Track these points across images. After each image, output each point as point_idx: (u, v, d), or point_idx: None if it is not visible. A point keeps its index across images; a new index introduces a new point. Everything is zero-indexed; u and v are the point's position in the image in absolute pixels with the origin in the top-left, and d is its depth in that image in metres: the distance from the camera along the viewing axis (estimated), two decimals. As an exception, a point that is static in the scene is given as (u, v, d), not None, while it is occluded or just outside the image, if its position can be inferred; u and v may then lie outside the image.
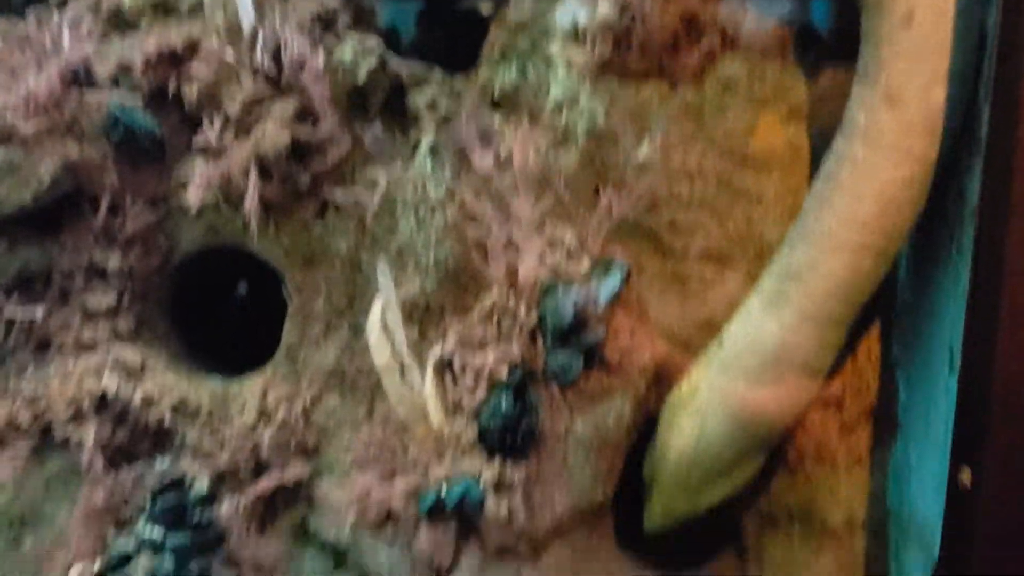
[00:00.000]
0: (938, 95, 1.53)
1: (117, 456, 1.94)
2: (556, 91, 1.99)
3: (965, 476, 1.63)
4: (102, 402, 1.90)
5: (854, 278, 1.65)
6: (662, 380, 1.98)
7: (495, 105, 2.06)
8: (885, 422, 2.00)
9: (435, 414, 1.89)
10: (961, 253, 1.69)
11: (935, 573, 1.71)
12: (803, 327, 1.69)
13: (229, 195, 1.90)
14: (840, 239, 1.60)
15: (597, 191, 2.00)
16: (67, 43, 1.88)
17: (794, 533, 2.03)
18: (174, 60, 1.89)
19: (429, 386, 1.89)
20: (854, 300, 1.69)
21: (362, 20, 2.02)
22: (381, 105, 1.99)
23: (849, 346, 1.95)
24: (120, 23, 1.96)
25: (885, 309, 1.96)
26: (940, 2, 1.48)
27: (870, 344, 1.97)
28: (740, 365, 1.77)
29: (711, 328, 1.93)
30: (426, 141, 1.98)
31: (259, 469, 1.96)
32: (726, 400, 1.79)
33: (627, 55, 1.90)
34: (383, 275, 1.86)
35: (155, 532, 1.90)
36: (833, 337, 1.75)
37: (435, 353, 1.91)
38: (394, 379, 1.86)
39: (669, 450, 1.87)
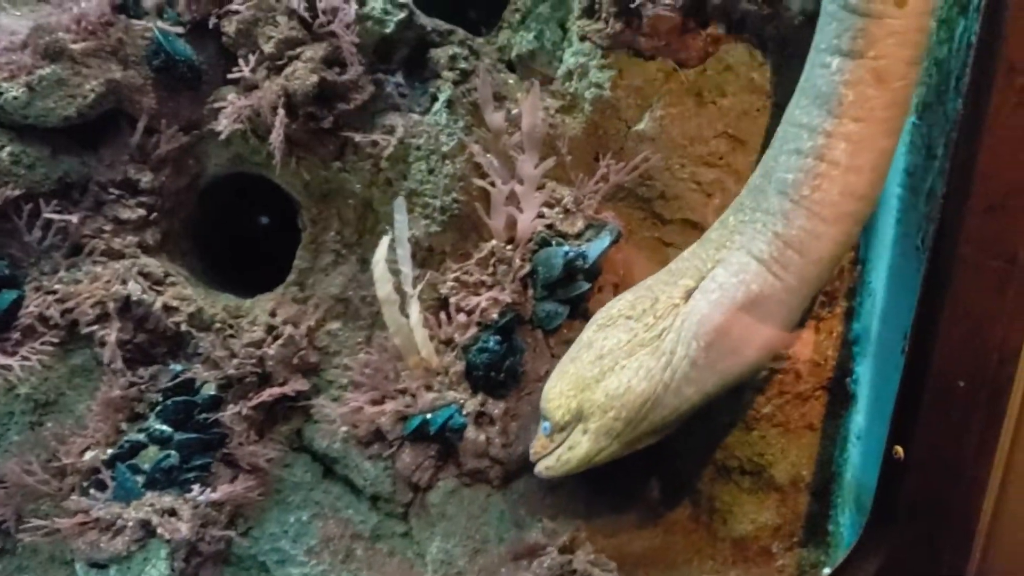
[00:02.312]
0: (915, 74, 1.59)
1: (135, 356, 2.07)
2: (568, 59, 2.09)
3: (898, 451, 1.77)
4: (125, 306, 2.02)
5: (847, 244, 1.73)
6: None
7: (511, 67, 2.17)
8: (839, 394, 2.13)
9: (423, 346, 2.02)
10: (923, 247, 1.81)
11: (862, 532, 1.86)
12: (801, 292, 1.73)
13: (257, 128, 2.01)
14: (841, 210, 1.64)
15: (597, 158, 2.11)
16: (119, -29, 1.98)
17: (744, 485, 2.16)
18: (217, -4, 2.00)
19: (416, 320, 2.01)
20: (837, 264, 1.77)
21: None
22: (405, 57, 2.09)
23: (813, 323, 2.09)
24: (169, -44, 2.05)
25: (848, 291, 2.08)
26: None
27: (832, 323, 2.09)
28: (729, 325, 1.72)
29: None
30: (443, 95, 2.07)
31: (263, 380, 2.09)
32: (709, 361, 1.74)
33: (638, 32, 2.00)
34: (399, 211, 1.97)
35: (164, 427, 2.04)
36: (810, 301, 1.82)
37: (419, 288, 2.02)
38: (393, 311, 1.99)
39: (630, 391, 1.78)
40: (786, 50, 2.00)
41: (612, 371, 1.80)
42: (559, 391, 1.85)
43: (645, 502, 2.18)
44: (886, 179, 1.68)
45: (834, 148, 1.60)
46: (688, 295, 1.80)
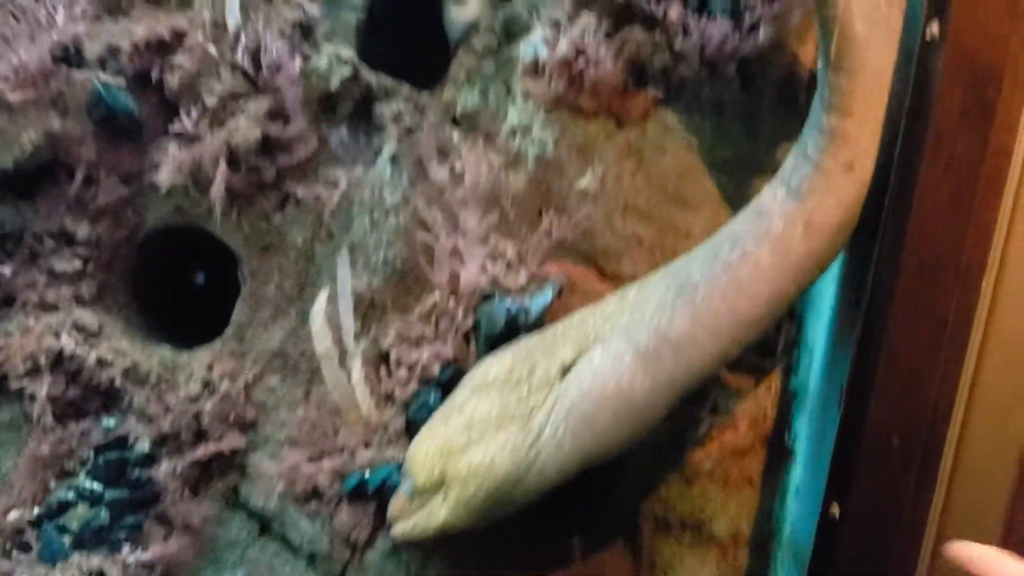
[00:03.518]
0: (840, 239, 1.60)
1: (67, 411, 1.95)
2: (513, 117, 2.05)
3: (835, 508, 1.72)
4: (58, 360, 1.91)
5: (721, 361, 1.67)
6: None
7: (455, 123, 2.11)
8: (778, 449, 2.09)
9: (364, 402, 1.93)
10: (860, 306, 1.78)
11: (800, 591, 1.80)
12: (668, 392, 1.67)
13: (198, 180, 1.94)
14: (720, 325, 1.60)
15: (540, 213, 2.05)
16: (61, 20, 1.90)
17: (684, 540, 2.10)
18: (160, 48, 1.92)
19: (358, 375, 1.93)
20: (708, 378, 1.71)
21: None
22: (350, 111, 2.04)
23: (752, 379, 2.05)
24: (112, 7, 1.97)
25: (786, 346, 2.05)
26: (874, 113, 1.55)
27: (770, 378, 2.05)
28: (597, 415, 1.65)
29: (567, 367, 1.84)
30: (388, 149, 2.02)
31: (198, 436, 1.99)
32: (575, 447, 1.67)
33: (580, 93, 1.96)
34: (342, 265, 1.90)
35: (94, 485, 1.93)
36: (677, 402, 1.73)
37: (364, 346, 1.95)
38: (332, 366, 1.91)
39: (493, 467, 1.68)
40: (724, 113, 2.00)
41: (479, 442, 1.70)
42: (425, 453, 1.73)
43: (587, 557, 2.10)
44: (775, 318, 1.65)
45: (741, 269, 1.58)
46: (564, 370, 1.72)
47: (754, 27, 1.91)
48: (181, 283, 2.38)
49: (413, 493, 1.74)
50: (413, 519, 1.75)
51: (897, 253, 1.61)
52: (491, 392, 1.74)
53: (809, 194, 1.55)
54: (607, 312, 1.77)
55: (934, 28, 1.53)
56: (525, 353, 1.78)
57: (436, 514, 1.73)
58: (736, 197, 2.04)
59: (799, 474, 2.05)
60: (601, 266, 2.09)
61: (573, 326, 1.80)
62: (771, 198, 1.62)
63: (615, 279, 2.08)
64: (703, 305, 1.59)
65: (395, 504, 1.79)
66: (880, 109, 1.55)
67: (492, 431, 1.69)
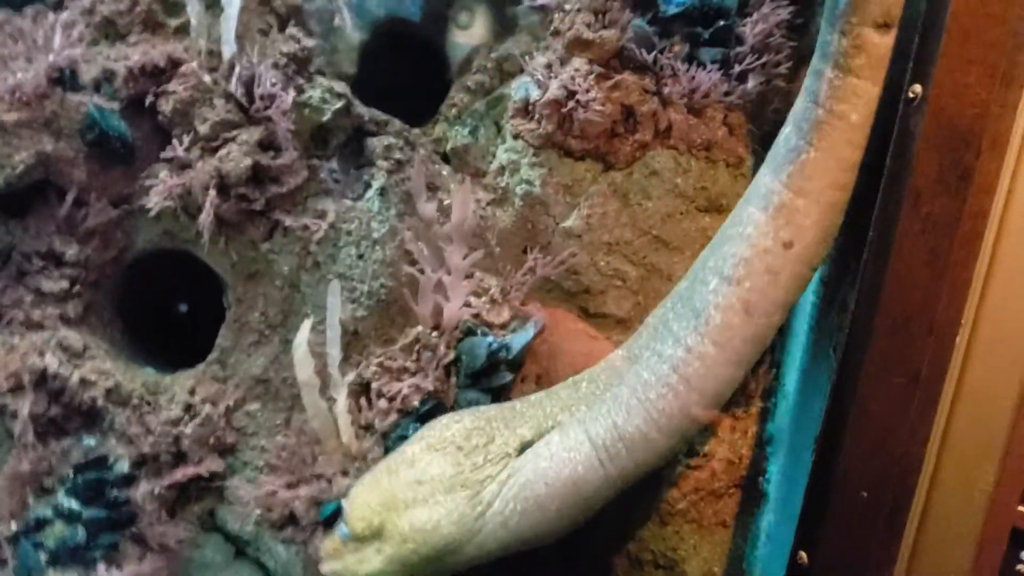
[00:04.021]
0: (778, 317, 1.62)
1: (48, 429, 1.95)
2: (501, 155, 2.06)
3: (803, 555, 1.72)
4: (41, 378, 1.91)
5: (669, 456, 1.73)
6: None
7: (445, 159, 2.13)
8: (752, 492, 2.08)
9: (345, 431, 1.93)
10: (834, 354, 1.78)
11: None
12: (617, 485, 1.67)
13: (187, 206, 1.94)
14: (675, 424, 1.61)
15: (525, 251, 2.06)
16: (58, 43, 1.90)
17: (656, 580, 2.10)
18: (155, 74, 1.94)
19: (342, 405, 1.93)
20: (655, 470, 1.73)
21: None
22: (341, 144, 2.05)
23: (730, 422, 2.05)
24: (110, 32, 1.99)
25: (763, 393, 2.05)
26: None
27: (747, 423, 2.05)
28: (548, 498, 1.66)
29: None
30: (377, 182, 2.03)
31: (178, 458, 1.99)
32: (520, 526, 1.67)
33: (568, 134, 1.97)
34: (333, 294, 1.89)
35: (73, 503, 1.92)
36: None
37: (350, 376, 1.95)
38: (313, 395, 1.90)
39: (436, 531, 1.65)
40: (709, 158, 2.00)
41: (426, 502, 1.66)
42: (365, 502, 1.69)
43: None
44: (721, 406, 1.68)
45: (689, 365, 1.60)
46: (522, 448, 1.72)
47: (742, 76, 1.92)
48: (167, 306, 2.37)
49: (348, 539, 1.71)
50: (344, 561, 1.72)
51: (873, 308, 1.61)
52: (446, 453, 1.71)
53: (743, 276, 1.57)
54: (562, 399, 1.79)
55: (916, 90, 1.54)
56: (485, 421, 1.77)
57: (368, 563, 1.69)
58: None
59: (771, 518, 2.04)
60: (584, 305, 2.09)
61: (531, 405, 1.80)
62: (702, 289, 1.64)
63: (598, 318, 2.09)
64: (657, 405, 1.62)
65: (328, 544, 1.75)
66: (837, 195, 1.56)
67: (441, 493, 1.67)
